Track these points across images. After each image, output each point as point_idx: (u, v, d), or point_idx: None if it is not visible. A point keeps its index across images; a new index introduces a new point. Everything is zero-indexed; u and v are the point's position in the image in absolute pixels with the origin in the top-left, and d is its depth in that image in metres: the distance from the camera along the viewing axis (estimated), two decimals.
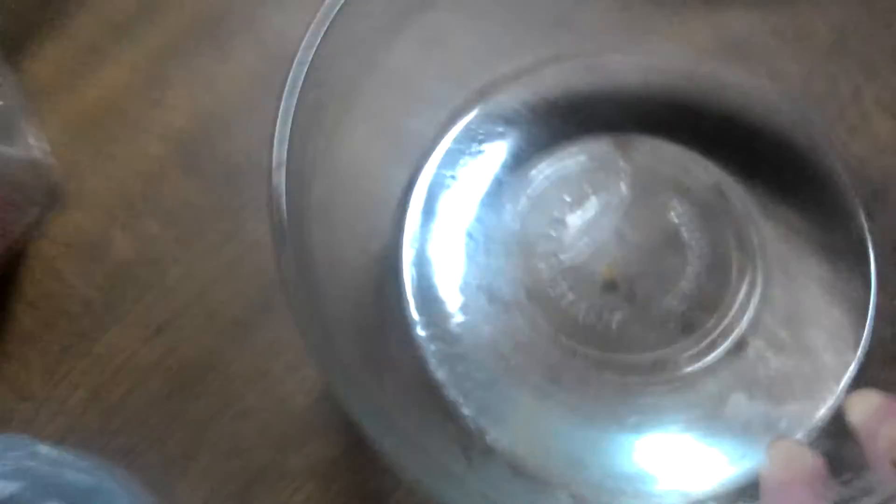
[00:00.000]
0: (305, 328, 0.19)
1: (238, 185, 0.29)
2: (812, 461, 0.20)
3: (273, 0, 0.31)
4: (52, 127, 0.30)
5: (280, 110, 0.20)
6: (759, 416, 0.24)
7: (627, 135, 0.27)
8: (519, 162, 0.28)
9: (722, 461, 0.23)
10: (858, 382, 0.24)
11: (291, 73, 0.21)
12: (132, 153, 0.30)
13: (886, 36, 0.25)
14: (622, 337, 0.25)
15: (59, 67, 0.31)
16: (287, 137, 0.20)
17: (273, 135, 0.20)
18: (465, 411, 0.24)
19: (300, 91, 0.21)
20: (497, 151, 0.28)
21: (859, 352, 0.24)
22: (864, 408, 0.21)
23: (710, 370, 0.24)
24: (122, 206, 0.29)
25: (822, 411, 0.24)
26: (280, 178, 0.20)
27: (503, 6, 0.27)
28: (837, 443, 0.22)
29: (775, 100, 0.27)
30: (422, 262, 0.26)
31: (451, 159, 0.28)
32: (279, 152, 0.20)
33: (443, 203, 0.27)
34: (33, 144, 0.29)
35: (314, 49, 0.21)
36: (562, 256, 0.26)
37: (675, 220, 0.26)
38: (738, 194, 0.26)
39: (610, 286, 0.25)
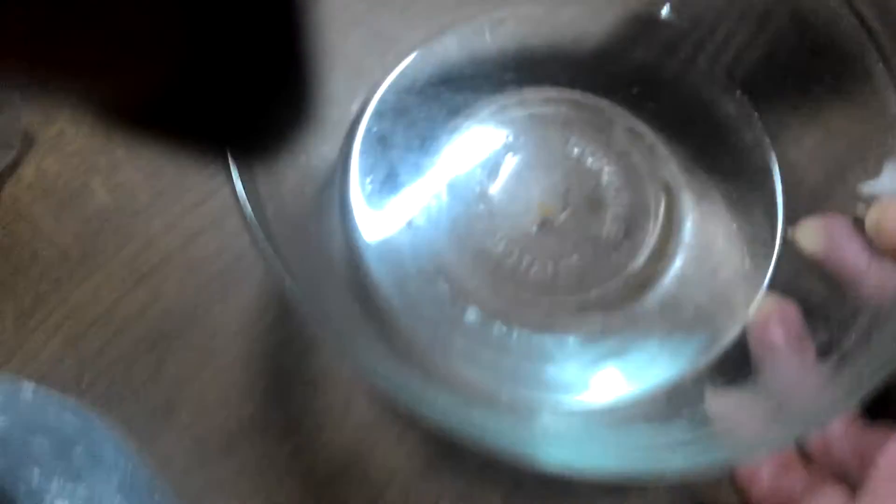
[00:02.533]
0: (260, 242, 0.19)
1: None
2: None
3: None
4: None
5: None
6: (674, 341, 0.25)
7: (569, 89, 0.28)
8: (451, 113, 0.27)
9: (639, 378, 0.24)
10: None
11: None
12: None
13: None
14: (556, 278, 0.25)
15: None
16: None
17: None
18: (402, 327, 0.24)
19: None
20: (441, 90, 0.27)
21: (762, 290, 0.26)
22: (817, 235, 0.23)
23: (636, 301, 0.25)
24: (102, 154, 0.28)
25: (728, 337, 0.25)
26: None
27: None
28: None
29: (711, 70, 0.27)
30: (365, 195, 0.26)
31: (403, 92, 0.27)
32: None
33: (386, 145, 0.27)
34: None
35: None
36: (494, 203, 0.26)
37: (603, 177, 0.27)
38: (662, 148, 0.27)
39: (547, 222, 0.26)
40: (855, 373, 0.19)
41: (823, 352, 0.20)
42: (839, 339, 0.20)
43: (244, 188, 0.19)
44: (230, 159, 0.19)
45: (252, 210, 0.19)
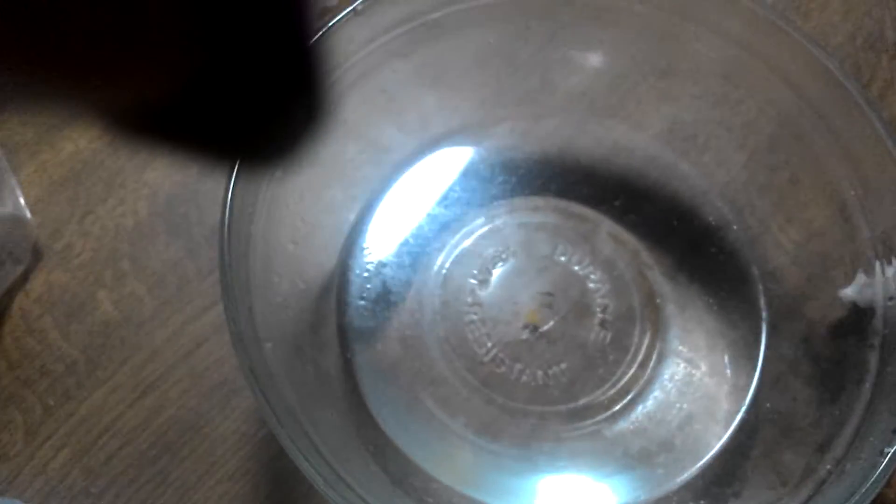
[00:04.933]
0: (247, 371, 0.20)
1: None
2: None
3: None
4: (34, 183, 0.30)
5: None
6: (648, 456, 0.25)
7: (556, 199, 0.29)
8: (442, 229, 0.28)
9: (616, 493, 0.25)
10: (742, 429, 0.26)
11: None
12: (117, 213, 0.30)
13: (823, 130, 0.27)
14: (547, 387, 0.26)
15: (37, 122, 0.31)
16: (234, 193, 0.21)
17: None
18: (396, 445, 0.25)
19: None
20: (432, 205, 0.29)
21: (745, 404, 0.26)
22: None
23: (614, 416, 0.26)
24: (108, 267, 0.29)
25: (715, 445, 0.25)
26: (225, 237, 0.21)
27: (462, 73, 0.29)
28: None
29: (696, 180, 0.29)
30: (359, 313, 0.27)
31: (394, 210, 0.29)
32: (228, 212, 0.21)
33: (379, 263, 0.28)
34: (15, 201, 0.29)
35: None
36: (486, 310, 0.27)
37: (589, 284, 0.28)
38: (645, 255, 0.28)
39: (532, 328, 0.27)
40: None
41: (799, 478, 0.21)
42: (815, 465, 0.21)
43: (242, 331, 0.20)
44: (226, 301, 0.20)
45: (247, 348, 0.20)
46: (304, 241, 0.26)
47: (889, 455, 0.19)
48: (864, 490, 0.18)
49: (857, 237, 0.24)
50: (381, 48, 0.26)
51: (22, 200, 0.29)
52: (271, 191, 0.23)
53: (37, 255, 0.29)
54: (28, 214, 0.29)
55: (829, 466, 0.21)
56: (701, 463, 0.25)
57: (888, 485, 0.26)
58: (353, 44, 0.25)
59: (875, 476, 0.18)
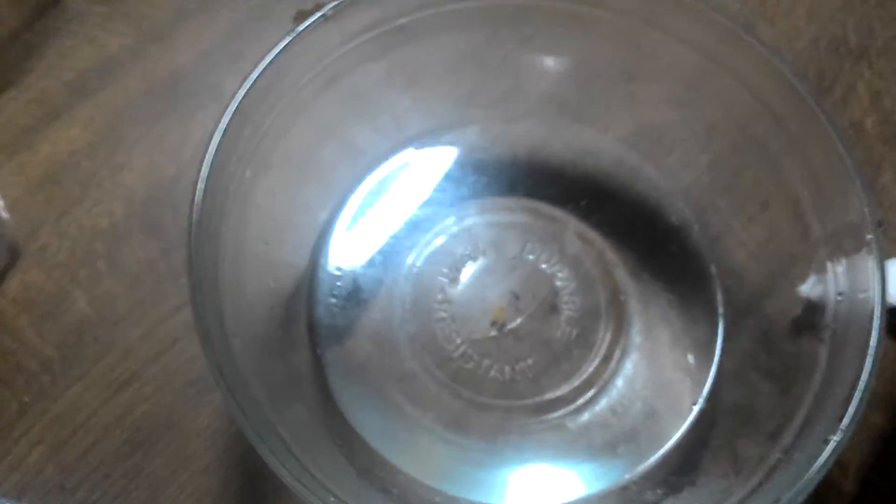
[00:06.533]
0: (214, 366, 0.20)
1: None
2: None
3: (230, 67, 0.33)
4: (12, 184, 0.31)
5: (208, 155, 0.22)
6: (611, 447, 0.26)
7: (525, 199, 0.30)
8: (412, 228, 0.29)
9: (579, 483, 0.26)
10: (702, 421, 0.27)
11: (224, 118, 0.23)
12: (93, 214, 0.30)
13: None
14: (514, 382, 0.27)
15: (15, 124, 0.32)
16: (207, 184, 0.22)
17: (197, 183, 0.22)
18: (364, 439, 0.25)
19: (226, 132, 0.23)
20: (403, 204, 0.29)
21: (705, 397, 0.27)
22: None
23: (578, 409, 0.27)
24: (83, 266, 0.29)
25: (665, 449, 0.26)
26: (193, 234, 0.21)
27: (434, 76, 0.29)
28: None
29: (661, 182, 0.30)
30: (329, 310, 0.28)
31: (366, 209, 0.29)
32: (199, 206, 0.21)
33: (350, 262, 0.28)
34: None
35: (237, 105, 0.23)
36: (455, 308, 0.28)
37: (556, 282, 0.29)
38: (611, 254, 0.29)
39: (500, 325, 0.28)
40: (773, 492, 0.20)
41: (751, 466, 0.22)
42: (766, 454, 0.22)
43: (209, 328, 0.20)
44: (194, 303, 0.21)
45: (214, 344, 0.20)
46: (276, 240, 0.26)
47: (832, 443, 0.19)
48: (808, 476, 0.19)
49: (811, 236, 0.25)
50: (352, 51, 0.26)
51: (0, 201, 0.30)
52: (242, 190, 0.24)
53: (13, 255, 0.29)
54: (5, 215, 0.29)
55: (778, 455, 0.21)
56: (661, 453, 0.25)
57: (844, 474, 0.27)
58: (325, 47, 0.26)
59: (818, 463, 0.19)
